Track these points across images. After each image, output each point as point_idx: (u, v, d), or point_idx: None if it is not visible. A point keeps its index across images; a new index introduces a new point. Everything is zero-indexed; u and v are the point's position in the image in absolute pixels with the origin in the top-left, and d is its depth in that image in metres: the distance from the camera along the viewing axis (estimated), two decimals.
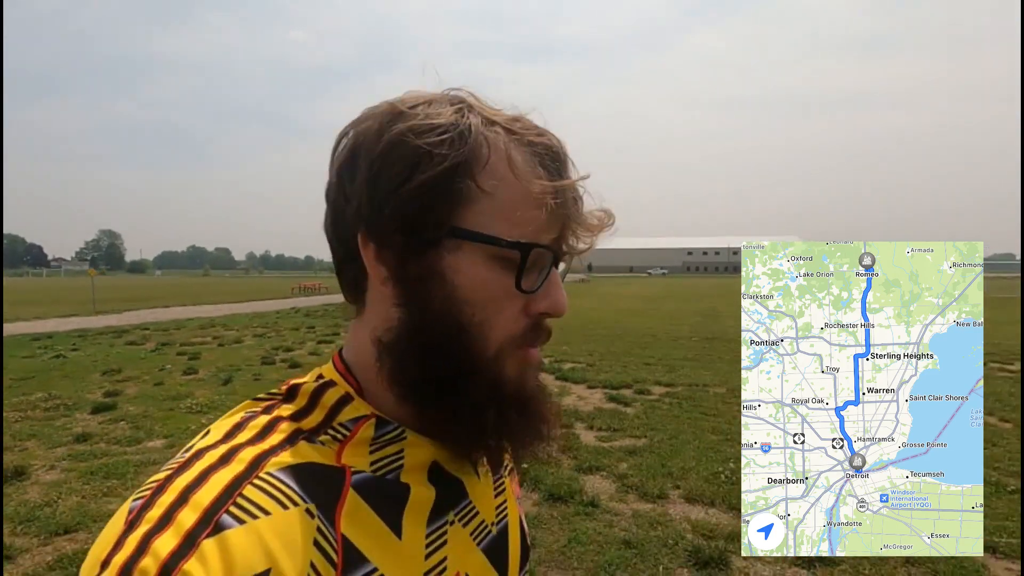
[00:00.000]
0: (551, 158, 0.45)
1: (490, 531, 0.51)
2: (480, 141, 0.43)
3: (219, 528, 0.34)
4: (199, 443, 0.40)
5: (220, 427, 0.42)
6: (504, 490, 0.56)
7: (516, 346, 0.45)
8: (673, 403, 6.22)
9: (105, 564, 0.32)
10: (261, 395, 0.46)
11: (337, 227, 0.47)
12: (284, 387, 0.47)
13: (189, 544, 0.32)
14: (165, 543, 0.32)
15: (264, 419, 0.43)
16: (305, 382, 0.46)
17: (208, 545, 0.33)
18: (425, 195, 0.42)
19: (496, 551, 0.51)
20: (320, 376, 0.47)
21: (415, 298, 0.44)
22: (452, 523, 0.47)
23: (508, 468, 0.59)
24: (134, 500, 0.35)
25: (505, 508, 0.55)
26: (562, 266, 0.49)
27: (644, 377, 7.54)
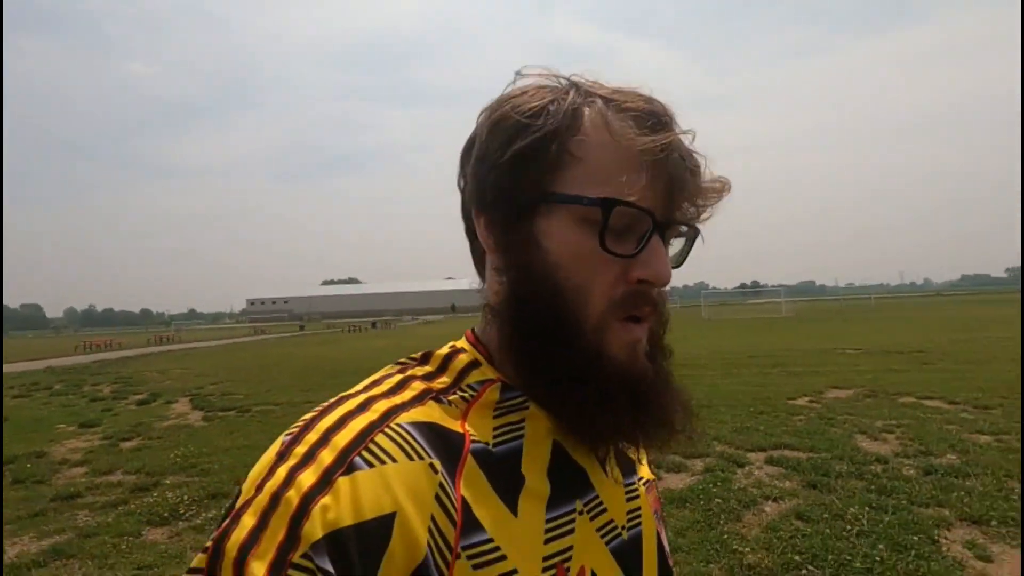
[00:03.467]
0: (653, 120, 0.43)
1: (620, 534, 0.49)
2: (575, 110, 0.44)
3: (352, 468, 0.36)
4: (345, 392, 0.44)
5: (363, 382, 0.45)
6: (638, 497, 0.53)
7: (618, 315, 0.44)
8: None
9: (259, 488, 0.36)
10: (401, 359, 0.49)
11: (464, 210, 0.51)
12: (420, 353, 0.49)
13: (326, 481, 0.35)
14: (307, 478, 0.35)
15: (399, 377, 0.46)
16: (438, 350, 0.49)
17: (342, 483, 0.36)
18: (519, 163, 0.44)
19: (628, 557, 0.48)
20: (453, 346, 0.50)
21: (515, 264, 0.45)
22: (581, 513, 0.46)
23: (644, 481, 0.56)
24: (286, 435, 0.39)
25: (639, 516, 0.52)
26: (678, 242, 0.48)
27: None
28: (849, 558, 2.95)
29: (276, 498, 0.35)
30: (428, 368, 0.47)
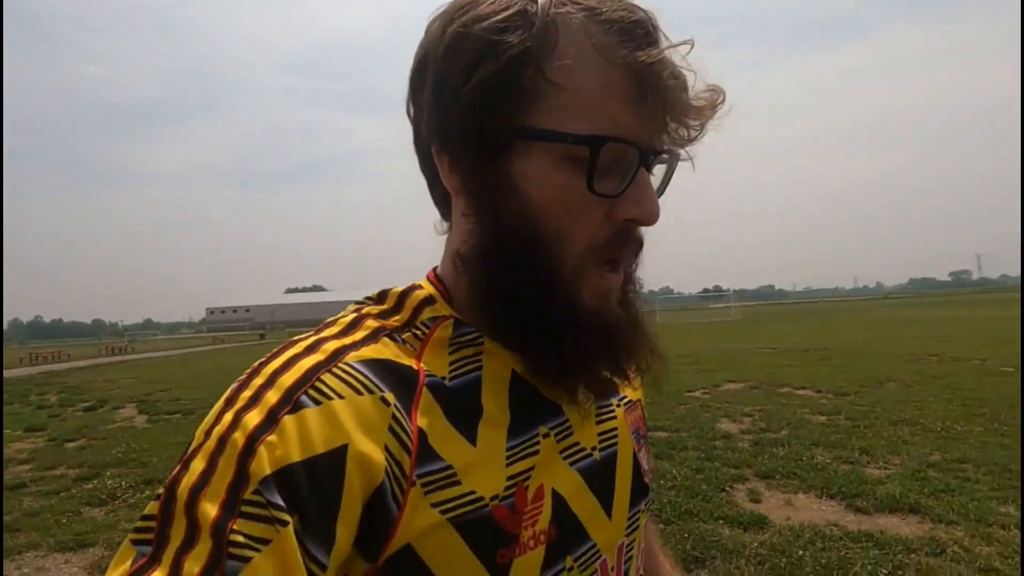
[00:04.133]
0: (639, 32, 0.39)
1: (590, 455, 0.48)
2: (549, 24, 0.39)
3: (298, 407, 0.36)
4: (297, 335, 0.43)
5: (319, 325, 0.45)
6: (613, 418, 0.52)
7: (599, 259, 0.42)
8: None
9: (208, 434, 0.36)
10: (359, 299, 0.48)
11: (418, 145, 0.47)
12: (377, 292, 0.48)
13: (271, 420, 0.35)
14: (252, 418, 0.36)
15: (352, 317, 0.45)
16: (396, 288, 0.48)
17: (288, 421, 0.35)
18: (487, 94, 0.39)
19: (597, 477, 0.48)
20: (411, 283, 0.48)
21: (488, 210, 0.42)
22: (547, 436, 0.45)
23: (626, 400, 0.55)
24: (235, 383, 0.39)
25: (614, 436, 0.51)
26: (659, 169, 0.44)
27: None
28: (656, 505, 3.79)
29: (223, 441, 0.34)
30: (384, 306, 0.46)
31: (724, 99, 0.40)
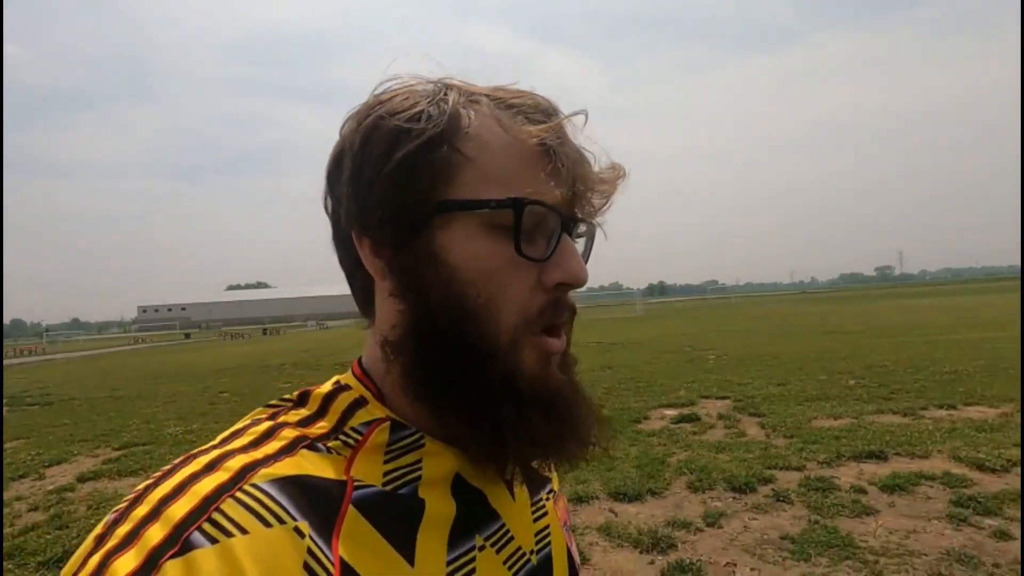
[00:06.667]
0: (540, 112, 0.41)
1: (529, 560, 0.46)
2: (459, 110, 0.41)
3: (187, 547, 0.30)
4: (197, 449, 0.37)
5: (223, 434, 0.40)
6: (546, 515, 0.51)
7: (534, 329, 0.40)
8: None
9: None
10: (273, 401, 0.44)
11: (336, 238, 0.45)
12: (296, 393, 0.44)
13: (151, 566, 0.29)
14: (124, 564, 0.29)
15: (266, 425, 0.40)
16: (319, 388, 0.44)
17: (171, 567, 0.29)
18: (405, 173, 0.40)
19: None
20: (337, 382, 0.45)
21: (413, 287, 0.41)
22: (483, 548, 0.42)
23: (550, 491, 0.53)
24: (112, 512, 0.33)
25: (548, 535, 0.49)
26: (583, 235, 0.45)
27: None
28: None
29: None
30: (304, 412, 0.41)
31: (625, 174, 0.43)
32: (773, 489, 3.85)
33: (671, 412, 6.34)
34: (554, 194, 0.40)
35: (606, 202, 0.43)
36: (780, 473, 4.17)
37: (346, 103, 0.45)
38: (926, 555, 2.90)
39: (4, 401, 11.13)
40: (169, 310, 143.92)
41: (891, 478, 3.88)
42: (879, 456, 4.37)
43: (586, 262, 0.44)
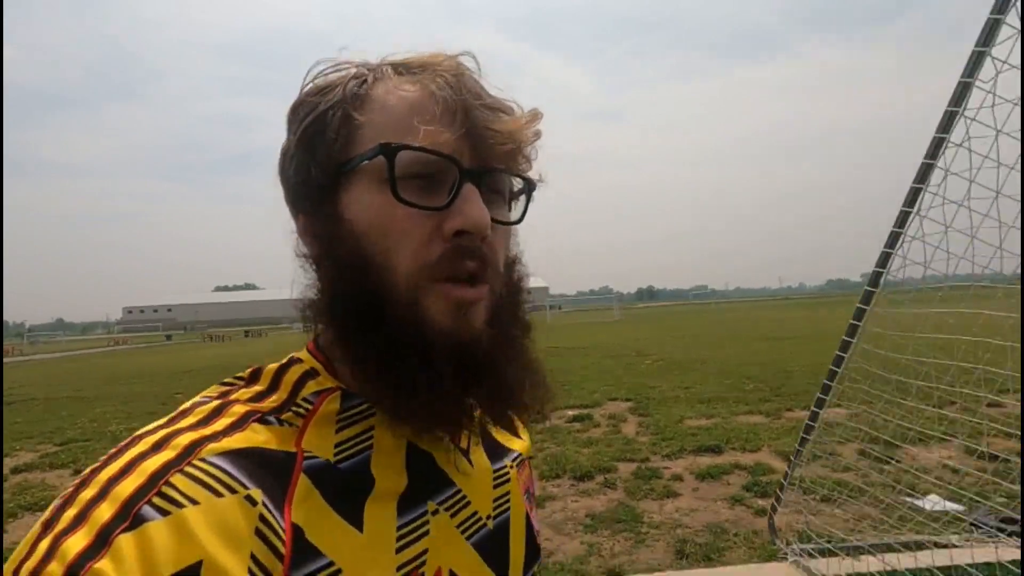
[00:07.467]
0: (443, 66, 0.42)
1: (485, 525, 0.48)
2: (359, 80, 0.43)
3: (138, 521, 0.31)
4: (142, 429, 0.37)
5: (171, 413, 0.39)
6: (508, 481, 0.52)
7: (437, 277, 0.40)
8: None
9: (16, 573, 0.30)
10: (226, 379, 0.43)
11: (294, 222, 0.47)
12: (248, 371, 0.44)
13: (102, 542, 0.30)
14: (75, 543, 0.30)
15: (216, 403, 0.40)
16: (271, 364, 0.44)
17: (124, 540, 0.30)
18: (309, 142, 0.42)
19: (492, 548, 0.47)
20: (291, 357, 0.45)
21: (327, 250, 0.42)
22: (436, 512, 0.43)
23: (518, 458, 0.55)
24: (59, 498, 0.33)
25: (507, 501, 0.51)
26: (520, 192, 0.47)
27: None
28: None
29: None
30: (257, 388, 0.42)
31: (539, 117, 0.42)
32: (606, 478, 4.45)
33: (571, 412, 6.93)
34: (456, 144, 0.40)
35: (516, 148, 0.42)
36: (622, 464, 4.77)
37: None
38: (688, 527, 3.51)
39: None
40: (155, 311, 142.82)
41: (708, 468, 4.49)
42: (715, 450, 4.99)
43: (523, 216, 0.45)
